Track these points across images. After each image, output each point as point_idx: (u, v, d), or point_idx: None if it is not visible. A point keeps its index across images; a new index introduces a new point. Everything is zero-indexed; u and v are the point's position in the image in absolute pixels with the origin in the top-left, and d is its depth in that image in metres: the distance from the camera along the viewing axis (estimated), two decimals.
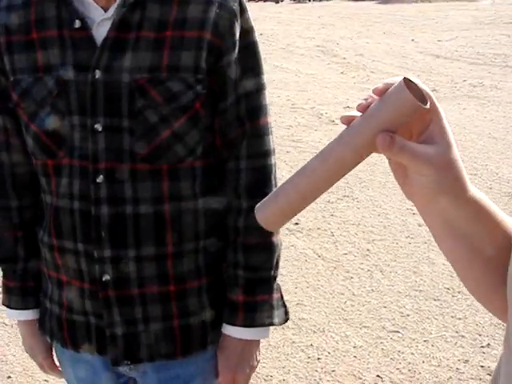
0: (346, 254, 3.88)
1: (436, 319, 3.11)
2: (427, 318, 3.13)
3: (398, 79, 0.57)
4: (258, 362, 1.24)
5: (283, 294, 1.23)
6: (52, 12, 1.06)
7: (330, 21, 27.64)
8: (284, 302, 1.22)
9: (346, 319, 3.13)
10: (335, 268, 3.69)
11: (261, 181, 1.14)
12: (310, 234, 4.19)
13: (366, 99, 0.59)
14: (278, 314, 1.19)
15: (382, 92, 0.58)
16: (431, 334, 2.99)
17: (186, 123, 1.06)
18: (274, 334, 2.98)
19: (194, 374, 1.22)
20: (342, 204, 4.73)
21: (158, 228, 1.10)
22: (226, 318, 1.19)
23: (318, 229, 4.28)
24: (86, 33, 1.04)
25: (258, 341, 1.22)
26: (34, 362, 1.35)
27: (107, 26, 1.04)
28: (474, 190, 0.62)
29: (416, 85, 0.58)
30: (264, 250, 1.16)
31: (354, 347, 2.89)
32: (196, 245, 1.13)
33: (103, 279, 1.11)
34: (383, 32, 20.92)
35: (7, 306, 1.28)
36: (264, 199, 0.62)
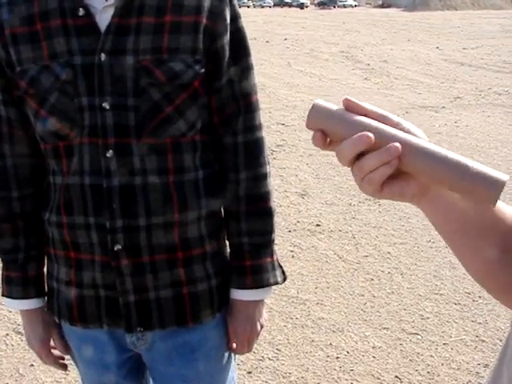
0: (366, 256, 3.89)
1: (456, 323, 3.10)
2: (447, 321, 3.12)
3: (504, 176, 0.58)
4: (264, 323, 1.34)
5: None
6: (54, 3, 1.12)
7: (355, 27, 27.64)
8: (280, 264, 1.31)
9: (365, 320, 3.13)
10: (356, 270, 3.70)
11: (257, 152, 1.25)
12: (332, 236, 4.21)
13: None
14: (279, 274, 1.29)
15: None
16: (451, 337, 2.98)
17: (186, 100, 1.14)
18: (294, 332, 3.01)
19: (202, 341, 1.28)
20: (363, 207, 4.73)
21: (165, 198, 1.17)
22: (234, 282, 1.28)
23: (340, 231, 4.30)
24: (90, 20, 1.11)
25: (263, 301, 1.32)
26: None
27: (110, 12, 1.11)
28: None
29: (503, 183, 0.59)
30: (264, 215, 1.27)
31: (373, 348, 2.89)
32: (198, 214, 1.21)
33: (115, 249, 1.16)
34: (408, 39, 20.85)
35: (8, 297, 1.31)
36: None
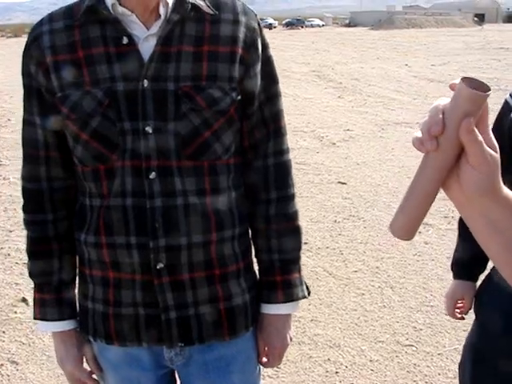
0: (356, 271, 3.96)
1: (448, 333, 3.17)
2: (440, 331, 3.19)
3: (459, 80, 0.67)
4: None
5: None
6: (96, 32, 1.17)
7: (324, 46, 28.07)
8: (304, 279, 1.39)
9: (360, 334, 3.19)
10: (346, 285, 3.76)
11: (285, 174, 1.32)
12: (320, 253, 4.27)
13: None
14: (305, 289, 1.37)
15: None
16: (445, 347, 3.05)
17: (223, 125, 1.20)
18: (291, 349, 3.04)
19: (236, 354, 1.32)
20: (348, 223, 4.81)
21: (204, 217, 1.21)
22: (266, 297, 1.34)
23: (327, 248, 4.36)
24: (133, 48, 1.16)
25: (291, 314, 1.39)
26: (52, 381, 1.39)
27: (151, 41, 1.17)
28: (507, 190, 0.71)
29: (476, 80, 0.67)
30: (293, 233, 1.34)
31: (371, 361, 2.94)
32: (232, 232, 1.26)
33: (158, 267, 1.20)
34: (377, 57, 21.23)
35: (42, 319, 1.33)
36: (393, 218, 0.72)
